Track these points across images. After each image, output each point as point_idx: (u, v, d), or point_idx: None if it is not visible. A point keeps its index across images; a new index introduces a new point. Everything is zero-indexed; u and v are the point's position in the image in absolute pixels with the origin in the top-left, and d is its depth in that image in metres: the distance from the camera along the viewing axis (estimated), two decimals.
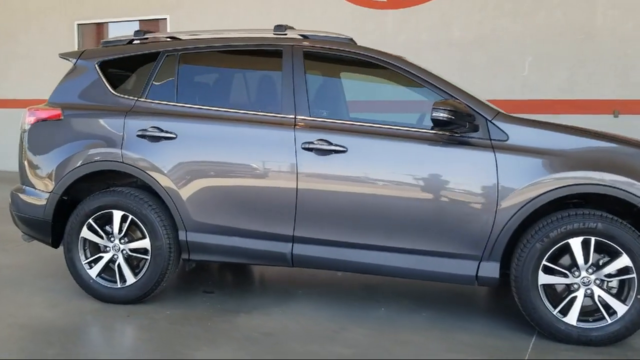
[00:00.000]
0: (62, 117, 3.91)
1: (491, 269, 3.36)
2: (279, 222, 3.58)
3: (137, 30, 4.16)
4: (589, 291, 3.25)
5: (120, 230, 3.76)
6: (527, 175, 3.28)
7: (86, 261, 3.82)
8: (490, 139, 3.37)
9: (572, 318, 3.26)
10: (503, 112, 3.48)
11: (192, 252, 3.74)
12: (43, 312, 3.68)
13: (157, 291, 3.81)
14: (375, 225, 3.47)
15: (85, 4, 10.00)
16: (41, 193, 3.90)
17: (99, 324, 3.56)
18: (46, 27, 10.29)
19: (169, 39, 4.16)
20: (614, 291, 3.27)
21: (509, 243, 3.34)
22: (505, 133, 3.37)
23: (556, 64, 7.37)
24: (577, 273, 3.25)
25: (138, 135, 3.74)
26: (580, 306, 3.25)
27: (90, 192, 3.93)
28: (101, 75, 3.98)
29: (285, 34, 3.87)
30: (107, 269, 3.83)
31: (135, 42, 4.15)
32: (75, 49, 9.90)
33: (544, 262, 3.26)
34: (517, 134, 3.36)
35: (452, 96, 3.44)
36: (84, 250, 3.84)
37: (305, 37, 3.86)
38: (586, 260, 3.24)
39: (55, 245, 3.97)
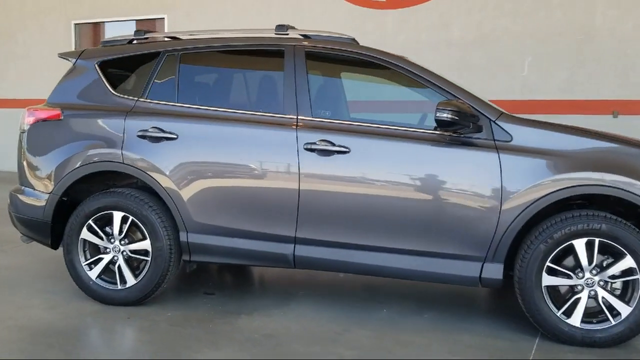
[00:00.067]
0: (61, 118, 3.87)
1: (495, 271, 3.34)
2: (280, 223, 3.55)
3: (137, 30, 4.12)
4: (592, 292, 3.23)
5: (120, 232, 3.73)
6: (531, 176, 3.26)
7: (86, 262, 3.79)
8: (494, 140, 3.35)
9: (576, 319, 3.25)
10: (506, 112, 3.46)
11: (193, 253, 3.71)
12: (42, 313, 3.65)
13: (158, 293, 3.78)
14: (378, 227, 3.45)
15: (83, 3, 9.96)
16: (40, 194, 3.87)
17: (99, 326, 3.53)
18: (44, 27, 10.25)
19: (169, 39, 4.13)
20: (618, 292, 3.25)
21: (513, 244, 3.33)
22: (509, 134, 3.35)
23: (556, 64, 7.36)
24: (581, 274, 3.24)
25: (139, 136, 3.71)
26: (584, 307, 3.24)
27: (89, 193, 3.91)
28: (101, 75, 3.95)
29: (287, 34, 3.84)
30: (107, 271, 3.80)
31: (135, 41, 4.11)
32: (73, 48, 9.86)
33: (547, 263, 3.25)
34: (521, 135, 3.34)
35: (456, 96, 3.43)
36: (84, 251, 3.81)
37: (307, 37, 3.83)
38: (590, 262, 3.22)
39: (54, 246, 3.94)
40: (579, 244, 3.21)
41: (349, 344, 3.29)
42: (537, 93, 7.43)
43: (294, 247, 3.56)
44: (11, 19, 10.48)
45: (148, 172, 3.68)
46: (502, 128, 3.36)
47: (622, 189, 3.19)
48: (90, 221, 3.75)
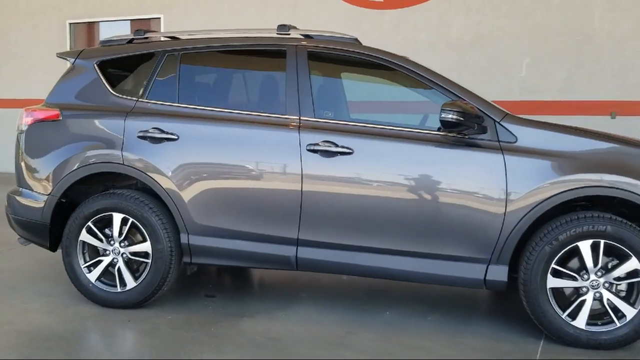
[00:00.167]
0: (60, 118, 3.82)
1: (500, 273, 3.32)
2: (283, 224, 3.52)
3: (138, 30, 4.08)
4: (597, 294, 3.22)
5: (120, 234, 3.69)
6: (536, 178, 3.24)
7: (85, 265, 3.75)
8: (499, 141, 3.33)
9: (581, 321, 3.23)
10: (511, 113, 3.44)
11: (194, 255, 3.67)
12: (41, 317, 3.60)
13: (158, 295, 3.73)
14: (382, 228, 3.42)
15: (78, 3, 9.89)
16: (39, 195, 3.82)
17: (99, 329, 3.48)
18: (38, 26, 10.17)
19: (169, 39, 4.08)
20: (623, 294, 3.24)
21: (518, 246, 3.31)
22: (513, 135, 3.33)
23: (554, 65, 7.37)
24: (586, 276, 3.22)
25: (139, 137, 3.67)
26: (589, 309, 3.22)
27: (88, 194, 3.86)
28: (100, 75, 3.90)
29: (289, 34, 3.81)
30: (107, 273, 3.75)
31: (135, 41, 4.06)
32: (68, 48, 9.79)
33: (553, 265, 3.23)
34: (526, 136, 3.32)
35: (460, 97, 3.40)
36: (83, 253, 3.76)
37: (309, 37, 3.80)
38: (595, 264, 3.21)
39: (53, 248, 3.89)
40: (584, 246, 3.20)
41: (353, 347, 3.26)
42: (535, 94, 7.44)
43: (297, 249, 3.53)
44: (5, 18, 10.39)
45: (148, 174, 3.64)
46: (506, 129, 3.34)
47: (629, 191, 3.18)
48: (89, 223, 3.71)
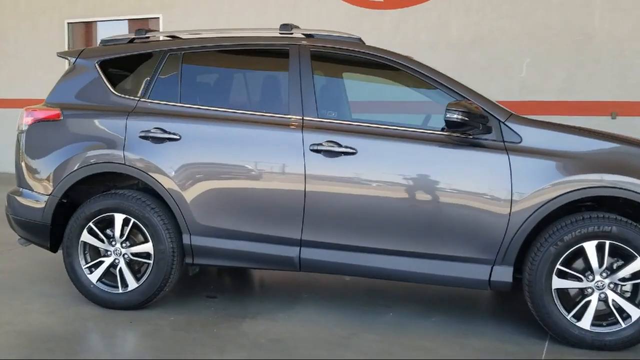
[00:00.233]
0: (61, 118, 3.79)
1: (504, 273, 3.30)
2: (286, 225, 3.50)
3: (139, 29, 4.05)
4: (602, 295, 3.20)
5: (121, 234, 3.66)
6: (541, 178, 3.23)
7: (86, 266, 3.72)
8: (504, 141, 3.31)
9: (586, 322, 3.22)
10: (516, 114, 3.43)
11: (196, 256, 3.65)
12: (42, 318, 3.57)
13: (160, 296, 3.71)
14: (386, 229, 3.40)
15: (78, 2, 9.85)
16: (39, 196, 3.79)
17: (100, 330, 3.46)
18: (37, 26, 10.13)
19: (171, 38, 4.06)
20: (628, 295, 3.23)
21: (522, 247, 3.29)
22: (518, 135, 3.31)
23: (554, 65, 7.36)
24: (591, 277, 3.21)
25: (141, 137, 3.64)
26: (594, 310, 3.21)
27: (89, 194, 3.83)
28: (101, 75, 3.88)
29: (292, 34, 3.79)
30: (108, 274, 3.72)
31: (136, 41, 4.04)
32: (66, 48, 9.76)
33: (558, 266, 3.21)
34: (531, 136, 3.31)
35: (464, 97, 3.39)
36: (84, 254, 3.73)
37: (312, 36, 3.78)
38: (600, 264, 3.19)
39: (53, 249, 3.86)
40: (590, 247, 3.18)
41: (356, 348, 3.24)
42: (535, 94, 7.43)
43: (300, 249, 3.51)
44: (5, 18, 10.35)
45: (150, 174, 3.61)
46: (511, 129, 3.33)
47: (633, 191, 3.16)
48: (90, 223, 3.68)
